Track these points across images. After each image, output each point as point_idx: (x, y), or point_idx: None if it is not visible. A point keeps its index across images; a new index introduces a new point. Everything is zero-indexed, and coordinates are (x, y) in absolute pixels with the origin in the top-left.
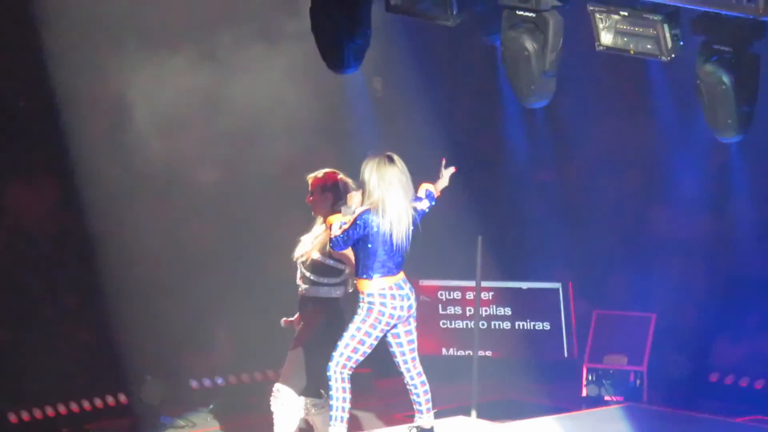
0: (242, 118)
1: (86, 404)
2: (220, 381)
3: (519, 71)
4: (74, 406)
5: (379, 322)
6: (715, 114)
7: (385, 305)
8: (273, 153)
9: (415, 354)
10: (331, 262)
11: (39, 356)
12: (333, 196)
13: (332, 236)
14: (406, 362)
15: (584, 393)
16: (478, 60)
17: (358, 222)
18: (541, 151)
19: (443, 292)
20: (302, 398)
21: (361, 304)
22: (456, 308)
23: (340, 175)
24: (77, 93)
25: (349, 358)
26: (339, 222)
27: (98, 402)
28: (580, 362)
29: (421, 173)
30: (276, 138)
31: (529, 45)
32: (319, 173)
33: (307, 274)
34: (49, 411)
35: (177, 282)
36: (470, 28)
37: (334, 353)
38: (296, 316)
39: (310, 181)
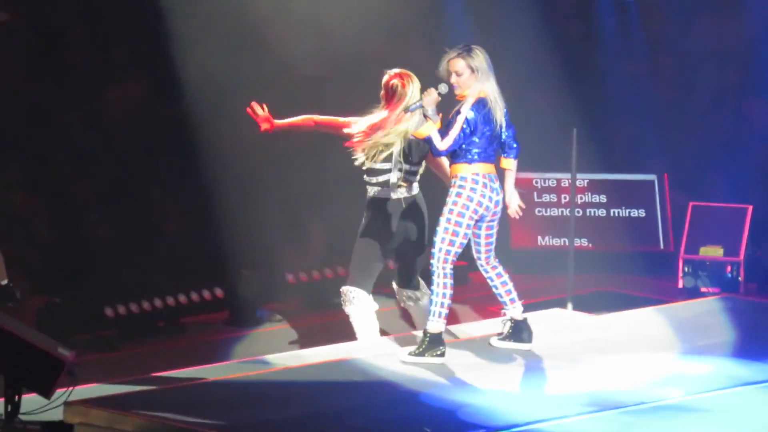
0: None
1: (182, 298)
2: (315, 275)
3: None
4: (170, 301)
5: (467, 209)
6: None
7: (474, 191)
8: (368, 49)
9: (491, 251)
10: (377, 165)
11: (137, 252)
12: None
13: (441, 149)
14: (479, 259)
15: (680, 285)
16: None
17: (465, 127)
18: (636, 45)
19: (538, 182)
20: (400, 290)
21: (451, 190)
22: (551, 196)
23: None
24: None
25: (447, 252)
26: (437, 132)
27: (194, 296)
28: (676, 254)
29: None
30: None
31: None
32: (395, 73)
33: (365, 177)
34: (146, 305)
35: (274, 177)
36: None
37: (433, 250)
38: None
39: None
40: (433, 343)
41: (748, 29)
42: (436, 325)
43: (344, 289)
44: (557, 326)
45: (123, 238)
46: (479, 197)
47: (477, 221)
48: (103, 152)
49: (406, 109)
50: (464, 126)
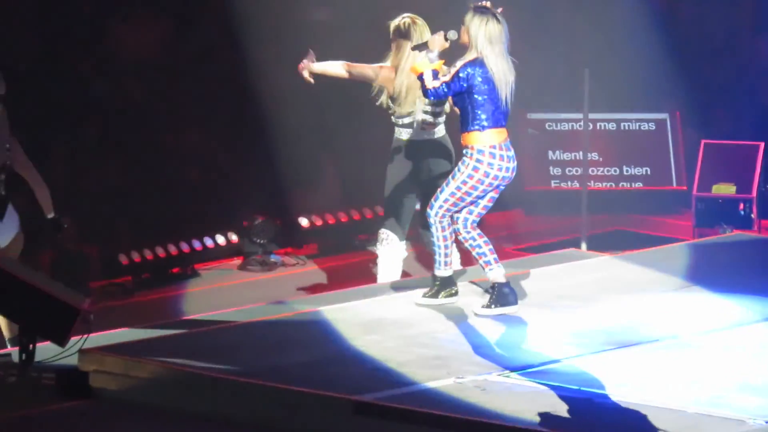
0: None
1: (197, 244)
2: (330, 219)
3: None
4: (185, 247)
5: (482, 183)
6: None
7: (492, 166)
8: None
9: (481, 214)
10: (391, 106)
11: (148, 198)
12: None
13: (429, 87)
14: (467, 219)
15: (694, 222)
16: None
17: (460, 75)
18: None
19: (551, 124)
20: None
21: (466, 160)
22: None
23: (419, 21)
24: None
25: (447, 210)
26: (430, 71)
27: (209, 242)
28: (690, 192)
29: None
30: None
31: None
32: (401, 19)
33: (392, 119)
34: (160, 252)
35: (287, 121)
36: None
37: (434, 201)
38: None
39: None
40: (445, 284)
41: None
42: (443, 271)
43: (380, 231)
44: (571, 266)
45: (136, 185)
46: (496, 171)
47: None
48: (116, 98)
49: (414, 48)
50: (461, 75)
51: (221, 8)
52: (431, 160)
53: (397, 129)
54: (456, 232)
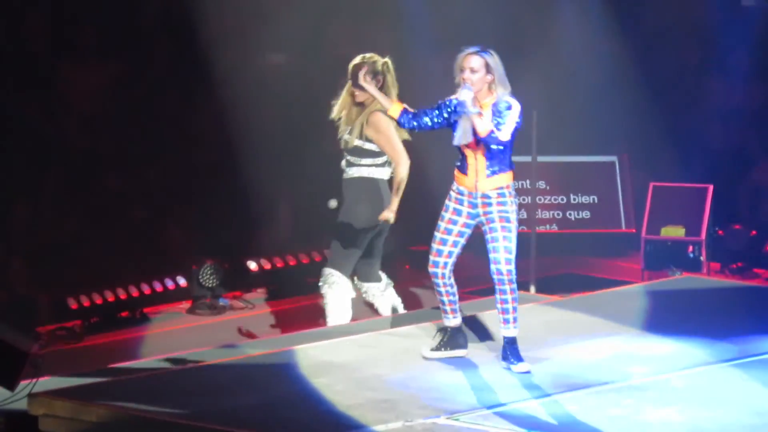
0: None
1: (146, 288)
2: (279, 262)
3: None
4: (133, 291)
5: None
6: None
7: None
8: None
9: None
10: (368, 145)
11: (98, 242)
12: (382, 79)
13: (503, 138)
14: (451, 264)
15: (643, 265)
16: None
17: (518, 120)
18: (594, 26)
19: None
20: (364, 284)
21: (508, 200)
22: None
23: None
24: None
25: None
26: (486, 119)
27: (157, 286)
28: (639, 235)
29: None
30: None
31: None
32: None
33: (349, 157)
34: (109, 295)
35: (236, 165)
36: None
37: (504, 256)
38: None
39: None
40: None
41: (708, 8)
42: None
43: (324, 270)
44: (521, 309)
45: (85, 228)
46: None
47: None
48: (65, 142)
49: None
50: (518, 118)
51: (172, 51)
52: (383, 201)
53: (355, 168)
54: (439, 276)
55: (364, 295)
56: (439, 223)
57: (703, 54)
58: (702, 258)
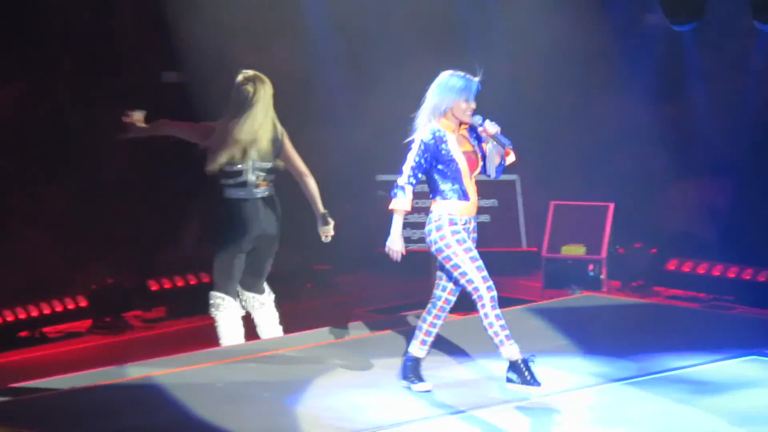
0: None
1: (45, 308)
2: (179, 281)
3: None
4: (33, 310)
5: None
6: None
7: None
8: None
9: None
10: (229, 167)
11: None
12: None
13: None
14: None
15: (543, 284)
16: None
17: None
18: (497, 41)
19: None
20: (246, 293)
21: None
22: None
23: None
24: None
25: None
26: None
27: (57, 306)
28: (539, 253)
29: None
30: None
31: None
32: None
33: (221, 180)
34: (8, 315)
35: (138, 184)
36: None
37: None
38: None
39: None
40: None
41: (610, 27)
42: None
43: (211, 294)
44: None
45: None
46: None
47: None
48: None
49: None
50: None
51: (74, 71)
52: (262, 219)
53: (227, 189)
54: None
55: (243, 304)
56: (468, 254)
57: (606, 72)
58: (602, 276)
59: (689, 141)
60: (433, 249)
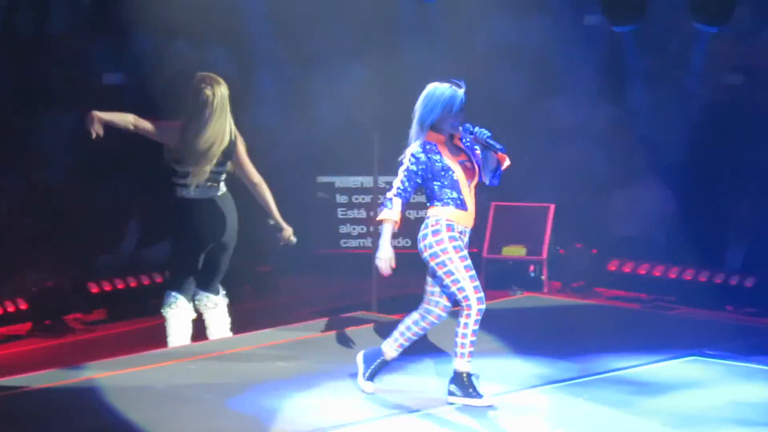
0: None
1: None
2: (119, 284)
3: None
4: None
5: None
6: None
7: None
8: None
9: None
10: (174, 164)
11: None
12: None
13: None
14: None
15: (484, 284)
16: None
17: None
18: (436, 46)
19: (341, 187)
20: (201, 293)
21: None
22: (355, 198)
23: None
24: None
25: None
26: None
27: None
28: (480, 254)
29: None
30: None
31: None
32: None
33: (173, 178)
34: None
35: (76, 185)
36: None
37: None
38: None
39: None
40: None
41: (551, 27)
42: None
43: (166, 292)
44: (364, 329)
45: None
46: None
47: None
48: None
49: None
50: None
51: (11, 70)
52: (215, 219)
53: (179, 188)
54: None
55: (196, 303)
56: (464, 262)
57: (547, 73)
58: (543, 277)
59: (630, 142)
60: (426, 254)
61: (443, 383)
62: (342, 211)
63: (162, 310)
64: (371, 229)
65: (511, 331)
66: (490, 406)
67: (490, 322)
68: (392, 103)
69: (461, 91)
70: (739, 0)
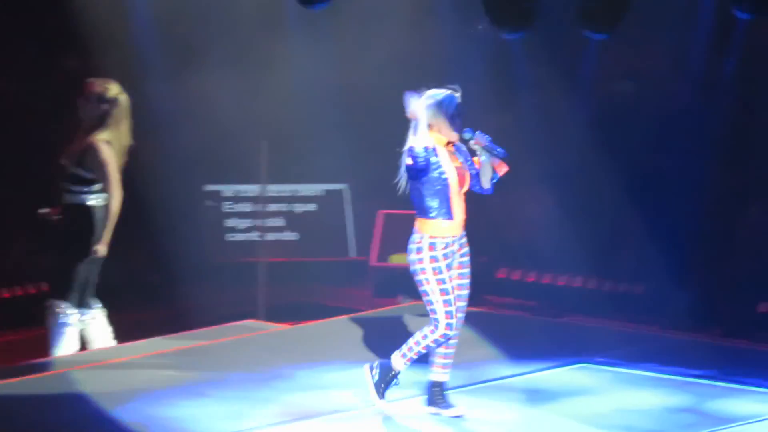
0: None
1: None
2: (5, 293)
3: None
4: None
5: None
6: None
7: None
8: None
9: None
10: (82, 172)
11: None
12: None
13: None
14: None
15: (372, 292)
16: None
17: None
18: (325, 55)
19: (229, 197)
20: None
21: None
22: (241, 206)
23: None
24: None
25: None
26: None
27: None
28: (368, 263)
29: None
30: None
31: None
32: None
33: (66, 184)
34: None
35: None
36: None
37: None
38: (52, 209)
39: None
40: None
41: (443, 33)
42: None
43: (50, 301)
44: (248, 338)
45: None
46: None
47: None
48: None
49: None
50: None
51: None
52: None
53: (83, 195)
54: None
55: (80, 318)
56: (440, 286)
57: (437, 81)
58: None
59: (519, 150)
60: (411, 268)
61: (332, 391)
62: (229, 220)
63: (49, 321)
64: (259, 237)
65: (398, 339)
66: (384, 409)
67: (377, 330)
68: (281, 112)
69: (458, 95)
70: (627, 7)
